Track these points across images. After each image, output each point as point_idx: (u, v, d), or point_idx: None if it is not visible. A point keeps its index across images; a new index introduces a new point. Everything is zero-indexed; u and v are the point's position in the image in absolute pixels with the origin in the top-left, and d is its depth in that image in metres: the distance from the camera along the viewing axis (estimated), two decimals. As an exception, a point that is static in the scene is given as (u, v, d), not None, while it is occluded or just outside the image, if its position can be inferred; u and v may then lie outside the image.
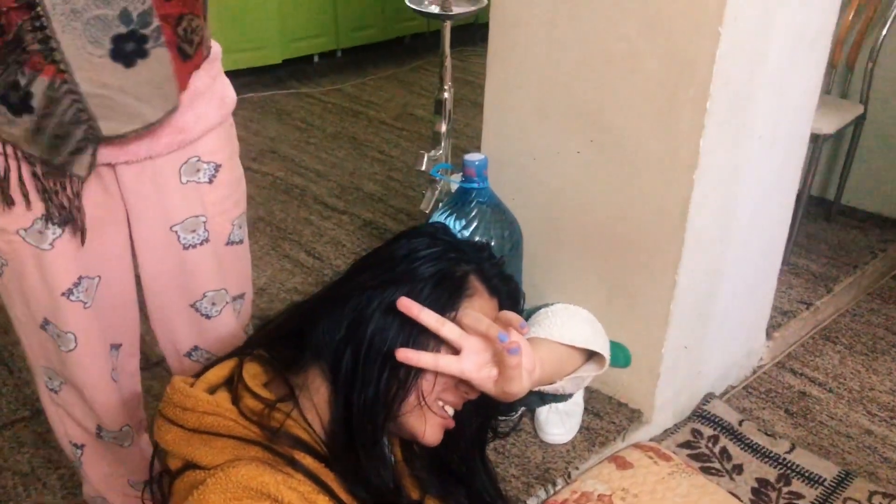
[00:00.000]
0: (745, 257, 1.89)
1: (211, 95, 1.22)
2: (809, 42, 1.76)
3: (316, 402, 0.89)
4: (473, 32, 4.41)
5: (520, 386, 0.87)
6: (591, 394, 1.88)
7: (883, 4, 2.55)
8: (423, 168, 1.97)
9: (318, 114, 3.85)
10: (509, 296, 0.98)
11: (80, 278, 1.17)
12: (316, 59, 4.49)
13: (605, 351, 1.05)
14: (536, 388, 0.97)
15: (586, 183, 1.76)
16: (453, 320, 0.88)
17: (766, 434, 1.90)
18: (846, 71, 2.69)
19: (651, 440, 1.86)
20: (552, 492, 1.65)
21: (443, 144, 2.02)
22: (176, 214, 1.21)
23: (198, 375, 0.90)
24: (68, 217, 1.12)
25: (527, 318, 1.06)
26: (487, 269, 0.96)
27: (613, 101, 1.65)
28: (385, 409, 0.87)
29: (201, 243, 1.25)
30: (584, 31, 1.65)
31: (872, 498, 1.72)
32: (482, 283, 0.94)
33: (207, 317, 1.32)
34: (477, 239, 1.79)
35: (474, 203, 1.83)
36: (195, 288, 1.28)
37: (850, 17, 2.61)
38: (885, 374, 2.14)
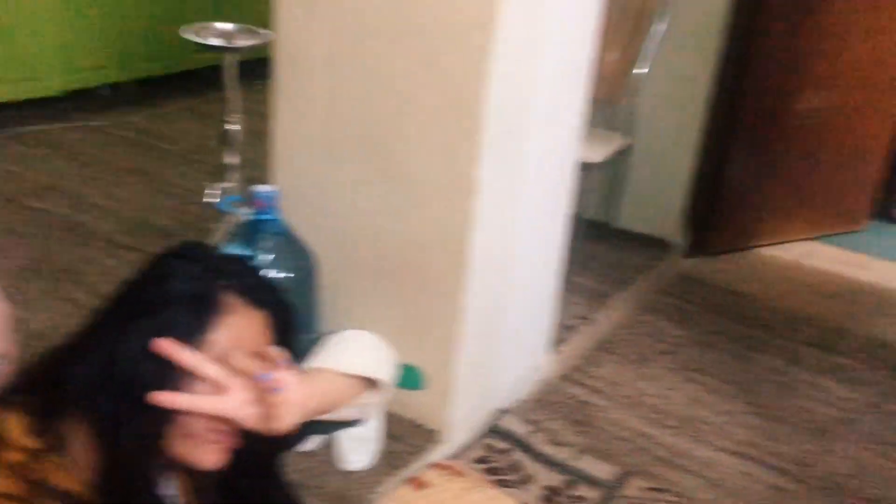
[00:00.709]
0: (527, 276, 2.02)
1: None
2: (573, 77, 1.93)
3: (84, 450, 0.85)
4: (266, 65, 4.39)
5: (286, 422, 0.87)
6: (389, 417, 1.92)
7: (643, 45, 2.84)
8: (207, 200, 1.94)
9: (106, 147, 3.66)
10: (278, 305, 0.94)
11: None
12: (106, 90, 4.28)
13: (386, 376, 1.08)
14: (319, 418, 0.99)
15: (376, 212, 1.82)
16: (210, 343, 0.85)
17: (554, 443, 2.03)
18: (611, 106, 2.96)
19: (448, 458, 1.92)
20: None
21: (233, 176, 2.00)
22: None
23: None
24: None
25: (320, 346, 1.08)
26: (248, 281, 0.92)
27: (396, 133, 1.72)
28: (151, 453, 0.85)
29: None
30: (365, 67, 1.71)
31: (647, 493, 1.88)
32: (243, 297, 0.89)
33: None
34: (270, 271, 1.79)
35: (266, 235, 1.83)
36: None
37: (616, 57, 2.88)
38: (652, 380, 2.36)
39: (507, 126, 1.70)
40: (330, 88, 1.78)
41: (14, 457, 0.81)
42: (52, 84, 3.87)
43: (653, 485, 1.91)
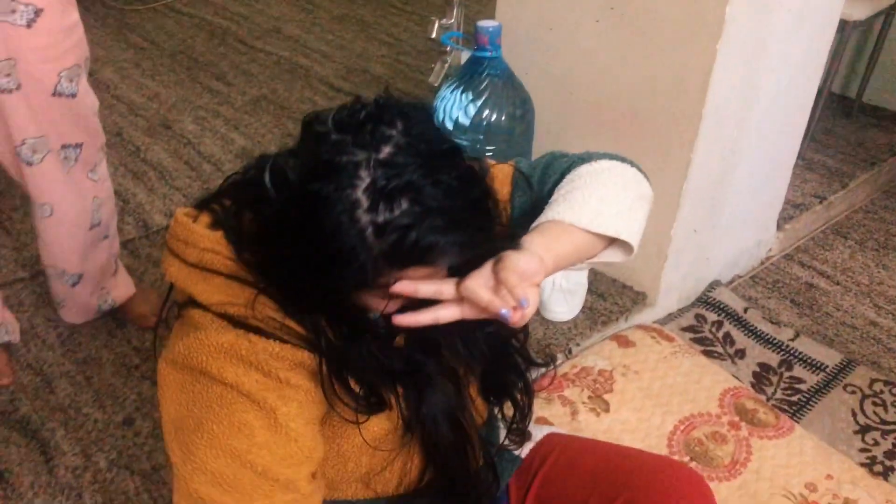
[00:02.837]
0: (761, 144, 1.83)
1: None
2: None
3: None
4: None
5: (529, 312, 0.77)
6: (595, 275, 1.86)
7: None
8: (434, 35, 1.88)
9: (326, -6, 3.72)
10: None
11: None
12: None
13: (636, 235, 0.89)
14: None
15: (603, 54, 1.69)
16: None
17: (770, 322, 1.88)
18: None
19: (654, 322, 1.84)
20: (552, 366, 1.65)
21: (455, 11, 1.92)
22: None
23: (200, 206, 0.84)
24: None
25: (560, 172, 0.93)
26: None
27: (637, -36, 1.56)
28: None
29: (16, 88, 1.27)
30: None
31: (874, 385, 1.71)
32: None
33: (28, 163, 1.36)
34: (486, 114, 1.73)
35: (486, 75, 1.76)
36: (14, 133, 1.32)
37: None
38: (892, 269, 2.11)
39: (767, -41, 1.49)
40: (567, -87, 1.63)
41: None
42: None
43: (882, 377, 1.74)
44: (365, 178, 0.68)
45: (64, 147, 1.37)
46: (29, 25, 1.22)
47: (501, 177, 0.96)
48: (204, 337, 0.76)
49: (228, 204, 0.83)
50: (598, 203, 0.86)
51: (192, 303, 0.80)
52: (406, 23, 3.45)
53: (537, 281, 0.77)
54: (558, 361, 1.66)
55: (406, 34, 3.33)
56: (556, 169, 0.95)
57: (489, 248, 0.78)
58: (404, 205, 0.68)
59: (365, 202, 0.68)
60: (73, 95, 1.33)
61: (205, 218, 0.82)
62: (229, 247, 0.80)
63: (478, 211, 0.76)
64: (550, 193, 0.91)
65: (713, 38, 1.49)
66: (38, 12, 1.22)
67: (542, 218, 0.86)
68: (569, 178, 0.91)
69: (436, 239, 0.70)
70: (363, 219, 0.68)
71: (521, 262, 0.76)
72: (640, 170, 0.96)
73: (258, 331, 0.77)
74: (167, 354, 0.79)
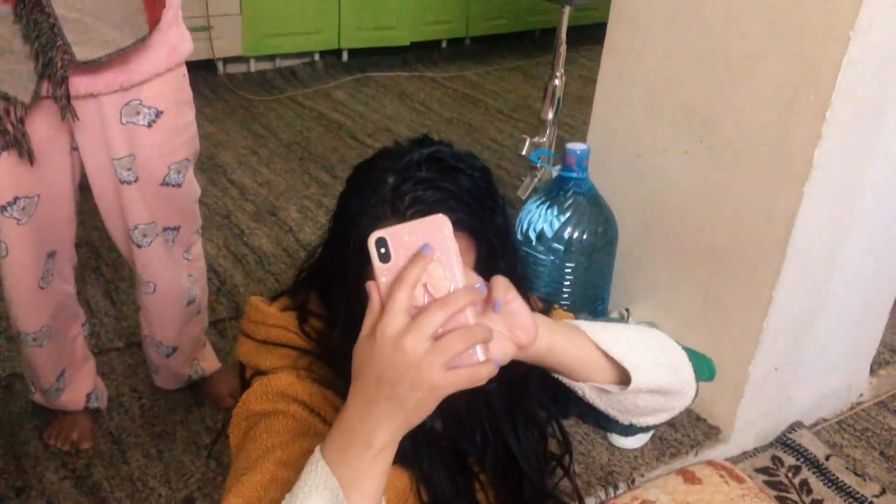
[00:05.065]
0: (855, 284, 1.77)
1: (161, 42, 1.31)
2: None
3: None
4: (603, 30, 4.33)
5: (498, 348, 0.72)
6: (669, 403, 1.82)
7: None
8: (524, 153, 1.95)
9: (438, 98, 3.88)
10: (485, 230, 0.80)
11: (15, 198, 1.31)
12: (444, 44, 4.53)
13: (648, 378, 0.84)
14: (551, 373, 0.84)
15: (690, 184, 1.70)
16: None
17: (854, 473, 1.78)
18: None
19: (727, 460, 1.77)
20: (612, 495, 1.61)
21: (548, 132, 1.99)
22: (116, 150, 1.35)
23: (274, 298, 0.93)
24: (12, 142, 1.24)
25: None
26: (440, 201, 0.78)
27: (728, 101, 1.58)
28: None
29: (135, 181, 1.40)
30: (704, 27, 1.59)
31: (965, 558, 1.58)
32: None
33: (139, 246, 1.48)
34: (569, 231, 1.76)
35: (571, 193, 1.80)
36: (129, 219, 1.44)
37: None
38: None
39: (860, 108, 1.48)
40: (663, 48, 1.68)
41: (315, 324, 0.87)
42: (401, 35, 4.19)
43: (976, 551, 1.60)
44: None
45: (165, 230, 1.49)
46: (150, 125, 1.35)
47: (560, 317, 0.98)
48: (264, 382, 0.82)
49: (299, 294, 0.92)
50: (626, 339, 0.85)
51: (258, 375, 0.87)
52: (511, 129, 3.55)
53: (522, 341, 0.73)
54: (619, 490, 1.62)
55: (510, 140, 3.42)
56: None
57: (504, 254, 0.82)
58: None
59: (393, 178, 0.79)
60: (179, 185, 1.45)
61: (276, 304, 0.91)
62: (296, 323, 0.87)
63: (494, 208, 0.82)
64: None
65: (801, 179, 1.49)
66: (158, 114, 1.36)
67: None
68: (626, 325, 0.93)
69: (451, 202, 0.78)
70: (391, 179, 0.78)
71: (520, 305, 0.73)
72: (694, 367, 0.92)
73: (318, 380, 0.83)
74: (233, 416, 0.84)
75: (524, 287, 0.84)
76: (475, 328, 0.64)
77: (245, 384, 0.88)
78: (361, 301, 0.69)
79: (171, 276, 1.56)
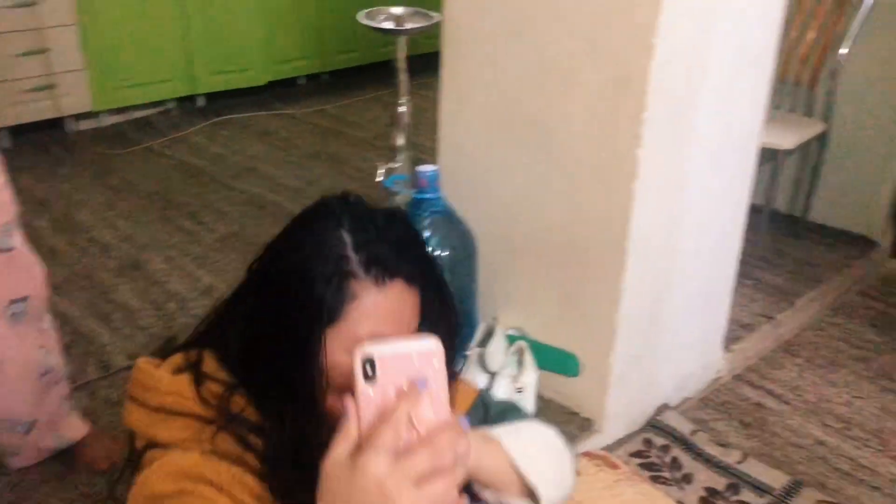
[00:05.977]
0: (695, 267, 1.91)
1: None
2: (753, 58, 1.79)
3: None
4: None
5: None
6: (543, 403, 1.90)
7: (844, 23, 2.59)
8: (381, 179, 2.01)
9: (300, 134, 3.90)
10: (428, 281, 0.83)
11: None
12: (301, 80, 4.55)
13: (550, 496, 0.85)
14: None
15: (536, 193, 1.79)
16: (348, 325, 0.77)
17: (718, 444, 1.91)
18: (807, 90, 2.73)
19: (603, 449, 1.87)
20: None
21: (401, 157, 2.06)
22: None
23: (164, 357, 0.88)
24: None
25: (496, 416, 0.95)
26: (383, 252, 0.79)
27: (558, 112, 1.69)
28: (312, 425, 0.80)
29: None
30: (529, 46, 1.69)
31: (820, 507, 1.73)
32: (380, 274, 0.78)
33: None
34: (431, 248, 1.82)
35: (427, 213, 1.86)
36: None
37: (795, 35, 2.65)
38: (843, 387, 2.15)
39: (673, 107, 1.62)
40: (493, 68, 1.77)
41: (214, 388, 0.84)
42: (257, 75, 4.18)
43: (829, 498, 1.75)
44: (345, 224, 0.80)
45: (12, 302, 1.44)
46: None
47: (463, 394, 0.97)
48: (166, 461, 0.77)
49: (191, 353, 0.87)
50: (538, 454, 0.86)
51: (153, 447, 0.82)
52: (375, 158, 3.59)
53: (461, 450, 0.67)
54: (503, 493, 1.68)
55: (373, 167, 3.48)
56: (515, 416, 0.97)
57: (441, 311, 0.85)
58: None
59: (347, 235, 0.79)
60: (11, 249, 1.40)
61: (167, 365, 0.86)
62: (192, 389, 0.83)
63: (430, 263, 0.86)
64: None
65: (629, 178, 1.60)
66: None
67: (484, 430, 0.86)
68: (526, 423, 0.93)
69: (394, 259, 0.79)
70: (345, 236, 0.79)
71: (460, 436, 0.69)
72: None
73: (223, 456, 0.78)
74: (130, 499, 0.79)
75: (453, 339, 0.86)
76: (458, 471, 0.64)
77: (135, 453, 0.84)
78: (315, 397, 0.70)
79: (18, 349, 1.48)
